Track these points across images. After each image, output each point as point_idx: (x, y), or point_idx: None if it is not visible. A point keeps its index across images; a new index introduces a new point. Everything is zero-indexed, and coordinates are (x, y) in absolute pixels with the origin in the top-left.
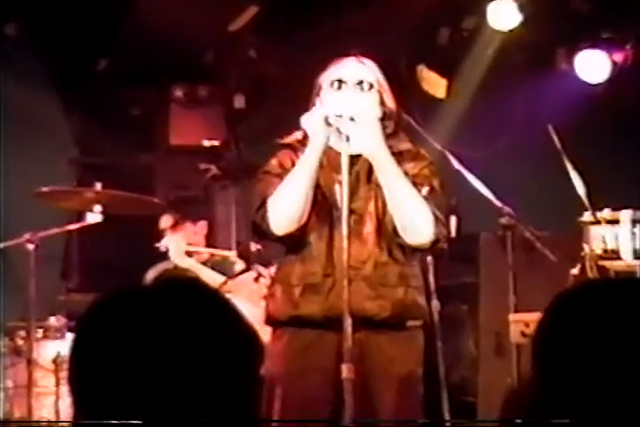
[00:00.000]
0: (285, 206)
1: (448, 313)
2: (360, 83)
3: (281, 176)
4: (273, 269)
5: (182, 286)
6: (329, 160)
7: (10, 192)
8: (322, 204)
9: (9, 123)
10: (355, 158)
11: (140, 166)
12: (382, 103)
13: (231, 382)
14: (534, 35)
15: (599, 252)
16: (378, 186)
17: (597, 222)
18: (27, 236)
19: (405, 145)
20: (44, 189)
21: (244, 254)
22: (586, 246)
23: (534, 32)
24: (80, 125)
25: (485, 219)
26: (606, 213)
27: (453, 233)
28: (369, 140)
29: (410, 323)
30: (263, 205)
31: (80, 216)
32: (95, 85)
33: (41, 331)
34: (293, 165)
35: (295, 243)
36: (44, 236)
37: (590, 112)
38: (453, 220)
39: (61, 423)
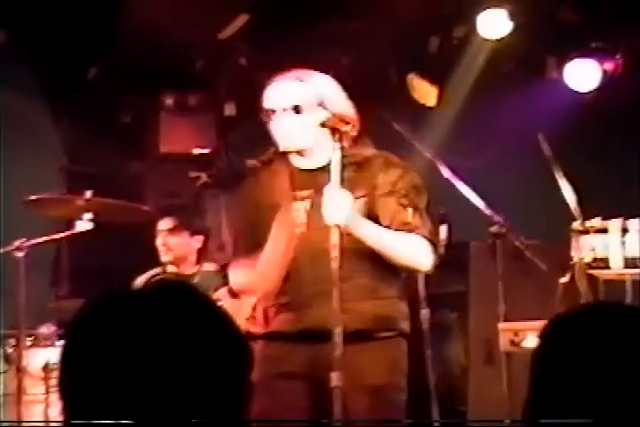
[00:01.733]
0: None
1: (438, 322)
2: (293, 108)
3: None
4: None
5: (172, 289)
6: (288, 176)
7: (2, 200)
8: (283, 222)
9: (1, 131)
10: (315, 172)
11: (130, 174)
12: (332, 114)
13: (221, 386)
14: (524, 44)
15: (588, 260)
16: None
17: (586, 231)
18: (16, 244)
19: (369, 151)
20: (33, 197)
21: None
22: (575, 255)
23: (524, 41)
24: (69, 133)
25: (475, 227)
26: (595, 222)
27: (444, 241)
28: (336, 213)
29: (382, 334)
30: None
31: (70, 224)
32: (85, 93)
33: (31, 339)
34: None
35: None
36: (34, 244)
37: (580, 120)
38: (444, 228)
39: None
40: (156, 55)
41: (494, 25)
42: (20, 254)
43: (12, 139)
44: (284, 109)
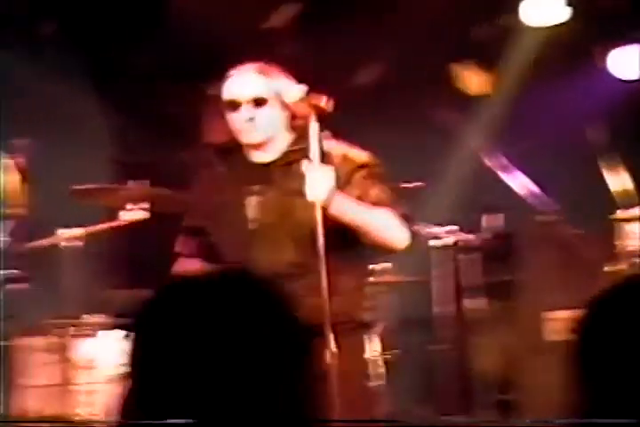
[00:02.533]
0: None
1: (484, 311)
2: (255, 100)
3: None
4: None
5: (241, 277)
6: (240, 171)
7: (48, 190)
8: (234, 218)
9: (47, 121)
10: (268, 166)
11: (176, 164)
12: (287, 106)
13: (284, 376)
14: (572, 32)
15: (632, 249)
16: (294, 193)
17: (630, 220)
18: (64, 233)
19: (328, 144)
20: (81, 186)
21: None
22: (619, 244)
23: (572, 29)
24: (116, 123)
25: (522, 217)
26: (638, 211)
27: (492, 231)
28: (319, 189)
29: (341, 327)
30: None
31: (117, 214)
32: (132, 83)
33: (77, 329)
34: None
35: (211, 261)
36: (85, 234)
37: (628, 109)
38: (490, 217)
39: (97, 422)
40: (202, 45)
41: (541, 13)
42: (68, 244)
43: (61, 129)
44: (247, 102)
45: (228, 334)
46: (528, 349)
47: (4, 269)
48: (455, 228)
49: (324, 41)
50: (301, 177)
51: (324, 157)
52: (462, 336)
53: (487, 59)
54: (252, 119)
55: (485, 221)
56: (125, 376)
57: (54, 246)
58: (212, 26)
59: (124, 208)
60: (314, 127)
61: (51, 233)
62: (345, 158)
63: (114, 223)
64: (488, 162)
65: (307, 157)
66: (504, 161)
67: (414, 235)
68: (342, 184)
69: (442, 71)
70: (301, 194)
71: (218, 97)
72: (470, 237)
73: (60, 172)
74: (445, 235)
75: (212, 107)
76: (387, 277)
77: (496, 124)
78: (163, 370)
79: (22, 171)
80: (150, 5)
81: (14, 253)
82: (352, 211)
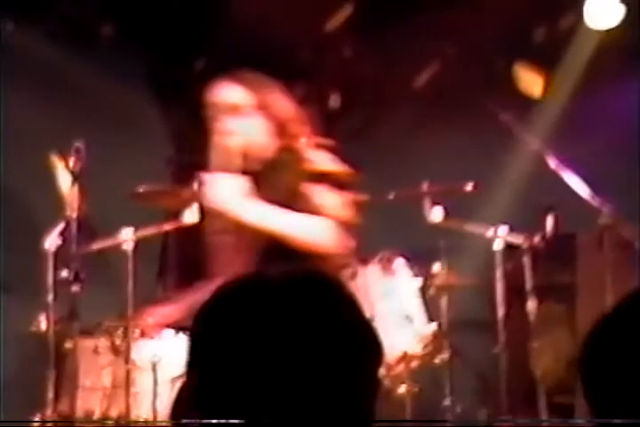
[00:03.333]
0: None
1: (544, 313)
2: (233, 109)
3: None
4: (369, 268)
5: (308, 276)
6: None
7: (107, 192)
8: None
9: (104, 123)
10: (249, 174)
11: None
12: (272, 116)
13: (352, 382)
14: (632, 34)
15: None
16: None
17: None
18: (124, 235)
19: (306, 151)
20: (141, 189)
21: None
22: None
23: (632, 32)
24: (176, 124)
25: (583, 218)
26: None
27: (551, 232)
28: (219, 196)
29: None
30: None
31: (177, 215)
32: (191, 84)
33: (139, 330)
34: None
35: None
36: (143, 235)
37: None
38: (550, 219)
39: (159, 423)
40: (262, 46)
41: (602, 15)
42: (129, 246)
43: (121, 131)
44: (225, 112)
45: (293, 335)
46: None
47: (62, 270)
48: (516, 228)
49: (383, 42)
50: (280, 186)
51: (298, 163)
52: (522, 339)
53: (549, 60)
54: (228, 128)
55: (547, 221)
56: (186, 377)
57: (114, 248)
58: (270, 27)
59: (185, 209)
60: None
61: (108, 235)
62: (303, 162)
63: (173, 225)
64: (549, 162)
65: (290, 165)
66: (564, 161)
67: (347, 248)
68: (289, 187)
69: (503, 72)
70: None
71: None
72: (532, 238)
73: (117, 173)
74: (506, 235)
75: None
76: (445, 280)
77: (557, 125)
78: (225, 371)
79: (77, 172)
80: (209, 7)
81: (70, 254)
82: (268, 218)
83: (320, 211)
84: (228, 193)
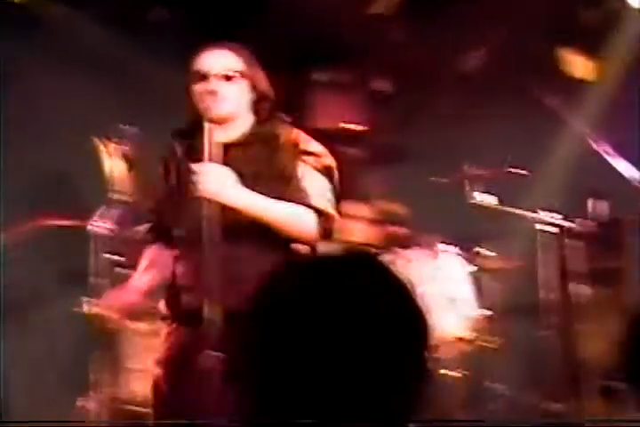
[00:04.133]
0: None
1: (593, 298)
2: (224, 73)
3: None
4: (415, 252)
5: (360, 256)
6: (199, 151)
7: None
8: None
9: (155, 107)
10: (231, 145)
11: None
12: (254, 87)
13: (402, 362)
14: None
15: None
16: (258, 172)
17: None
18: None
19: (284, 128)
20: None
21: (384, 237)
22: None
23: None
24: None
25: (629, 202)
26: None
27: (597, 217)
28: (212, 186)
29: None
30: None
31: None
32: None
33: None
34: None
35: (162, 241)
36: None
37: None
38: (598, 204)
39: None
40: (309, 30)
41: None
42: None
43: (167, 115)
44: (217, 75)
45: (347, 314)
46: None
47: (111, 254)
48: (562, 213)
49: (431, 26)
50: (256, 161)
51: (275, 139)
52: (568, 322)
53: (596, 43)
54: (219, 92)
55: (592, 206)
56: (242, 352)
57: None
58: (317, 11)
59: None
60: (207, 126)
61: None
62: (292, 143)
63: None
64: (595, 147)
65: (265, 140)
66: (611, 146)
67: (329, 231)
68: (278, 166)
69: (550, 56)
70: (255, 176)
71: (323, 83)
72: (577, 222)
73: None
74: (552, 220)
75: (320, 92)
76: (491, 264)
77: (603, 109)
78: (279, 351)
79: (128, 158)
80: None
81: (120, 239)
82: (256, 205)
83: (303, 192)
84: (219, 182)
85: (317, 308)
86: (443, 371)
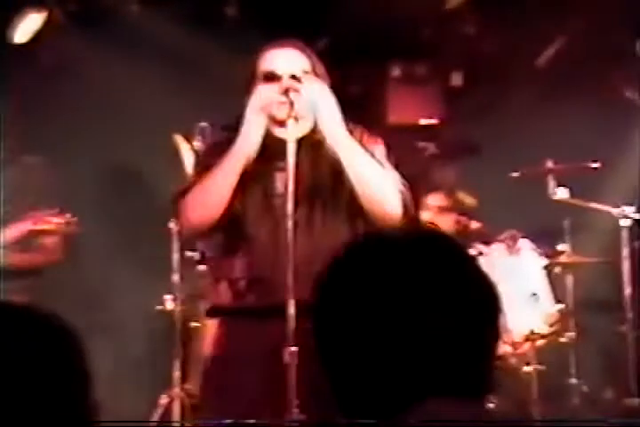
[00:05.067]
0: (205, 201)
1: None
2: (293, 76)
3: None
4: (494, 247)
5: (432, 236)
6: (266, 146)
7: None
8: (259, 194)
9: (231, 104)
10: (296, 143)
11: None
12: None
13: (473, 342)
14: None
15: None
16: (327, 170)
17: None
18: None
19: (347, 126)
20: None
21: (462, 232)
22: None
23: None
24: None
25: None
26: None
27: None
28: (326, 118)
29: None
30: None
31: None
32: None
33: None
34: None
35: (234, 237)
36: None
37: None
38: None
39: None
40: (384, 25)
41: None
42: None
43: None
44: (290, 76)
45: (418, 291)
46: None
47: (190, 251)
48: None
49: (506, 18)
50: (327, 157)
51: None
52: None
53: None
54: (293, 92)
55: None
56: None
57: None
58: (392, 6)
59: None
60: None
61: None
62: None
63: None
64: None
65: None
66: None
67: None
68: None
69: (628, 47)
70: (331, 173)
71: (400, 78)
72: None
73: None
74: (633, 214)
75: (394, 87)
76: (571, 258)
77: None
78: (351, 325)
79: (202, 153)
80: None
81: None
82: (355, 154)
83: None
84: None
85: (390, 285)
86: (522, 366)
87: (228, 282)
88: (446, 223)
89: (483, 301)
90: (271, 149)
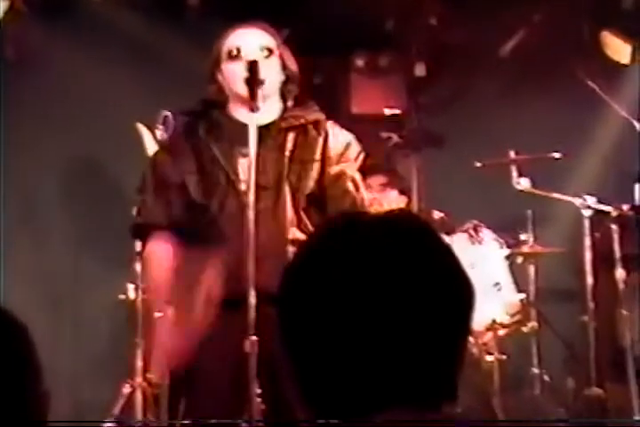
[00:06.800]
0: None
1: (633, 282)
2: (261, 50)
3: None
4: (456, 237)
5: (406, 222)
6: (230, 132)
7: None
8: (223, 180)
9: (193, 92)
10: (262, 129)
11: None
12: (284, 67)
13: (445, 324)
14: None
15: None
16: (287, 158)
17: None
18: None
19: (316, 115)
20: None
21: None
22: None
23: None
24: None
25: None
26: None
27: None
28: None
29: None
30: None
31: None
32: None
33: None
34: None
35: (197, 225)
36: None
37: None
38: (637, 188)
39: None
40: (347, 16)
41: None
42: None
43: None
44: (254, 51)
45: (391, 275)
46: None
47: None
48: (605, 198)
49: (469, 9)
50: (297, 144)
51: (311, 128)
52: (611, 307)
53: (636, 26)
54: (260, 67)
55: (636, 190)
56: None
57: None
58: None
59: None
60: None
61: None
62: (334, 132)
63: None
64: (638, 130)
65: (300, 125)
66: None
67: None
68: (333, 164)
69: (591, 39)
70: (299, 161)
71: (363, 68)
72: (620, 207)
73: None
74: (595, 205)
75: (358, 77)
76: (533, 248)
77: None
78: (320, 313)
79: (164, 142)
80: None
81: None
82: None
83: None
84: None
85: (362, 269)
86: (484, 355)
87: None
88: (389, 200)
89: (457, 297)
90: (234, 133)
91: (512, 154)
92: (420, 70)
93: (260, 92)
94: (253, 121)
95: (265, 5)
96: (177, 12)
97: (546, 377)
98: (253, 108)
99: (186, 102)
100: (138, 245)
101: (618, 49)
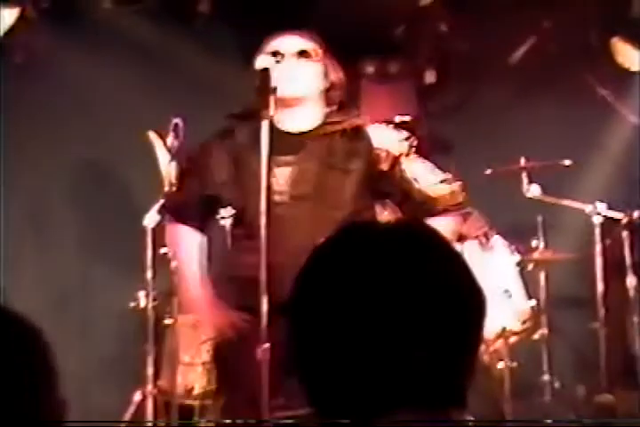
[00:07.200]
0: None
1: None
2: (300, 53)
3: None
4: (467, 244)
5: (418, 231)
6: (268, 137)
7: None
8: (258, 188)
9: (205, 99)
10: (298, 136)
11: None
12: (326, 75)
13: (460, 334)
14: None
15: None
16: (328, 166)
17: None
18: (222, 212)
19: (357, 120)
20: None
21: None
22: None
23: None
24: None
25: None
26: None
27: None
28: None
29: None
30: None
31: None
32: None
33: None
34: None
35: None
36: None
37: None
38: None
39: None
40: (357, 23)
41: None
42: (226, 223)
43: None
44: (293, 54)
45: (400, 282)
46: None
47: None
48: (615, 204)
49: (478, 16)
50: (339, 151)
51: (357, 132)
52: (621, 314)
53: None
54: (295, 69)
55: None
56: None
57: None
58: (364, 3)
59: None
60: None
61: None
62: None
63: None
64: None
65: (342, 131)
66: None
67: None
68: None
69: (601, 45)
70: (341, 169)
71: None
72: (631, 213)
73: None
74: (605, 211)
75: (368, 84)
76: (543, 255)
77: None
78: (328, 317)
79: (175, 149)
80: None
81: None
82: None
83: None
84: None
85: (371, 275)
86: (494, 363)
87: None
88: None
89: (469, 304)
90: (272, 141)
91: (522, 161)
92: (429, 77)
93: (296, 94)
94: (265, 129)
95: (275, 12)
96: (187, 18)
97: (556, 384)
98: (264, 116)
99: (197, 110)
100: (149, 253)
101: (628, 56)
